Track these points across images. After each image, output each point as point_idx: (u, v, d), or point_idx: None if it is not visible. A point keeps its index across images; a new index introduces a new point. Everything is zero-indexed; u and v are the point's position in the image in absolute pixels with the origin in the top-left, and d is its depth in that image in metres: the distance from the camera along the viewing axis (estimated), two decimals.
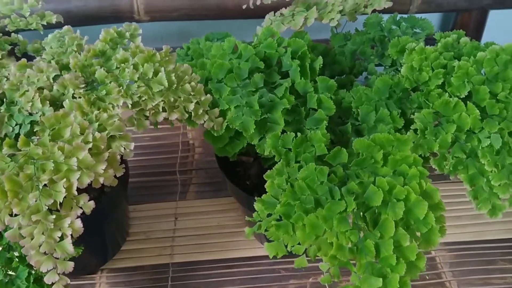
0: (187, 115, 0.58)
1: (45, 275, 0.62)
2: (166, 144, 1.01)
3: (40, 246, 0.45)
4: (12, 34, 0.71)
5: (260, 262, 0.81)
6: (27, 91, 0.57)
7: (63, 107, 0.57)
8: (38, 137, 0.54)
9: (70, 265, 0.46)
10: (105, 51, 0.62)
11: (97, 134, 0.52)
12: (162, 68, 0.58)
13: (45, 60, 0.64)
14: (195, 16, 0.91)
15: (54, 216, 0.46)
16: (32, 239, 0.46)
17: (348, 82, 0.70)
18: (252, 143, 0.59)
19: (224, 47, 0.66)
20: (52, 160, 0.49)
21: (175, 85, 0.58)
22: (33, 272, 0.62)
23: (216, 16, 0.91)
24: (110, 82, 0.58)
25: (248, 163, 0.75)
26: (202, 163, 0.98)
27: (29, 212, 0.46)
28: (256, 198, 0.70)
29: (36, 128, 0.55)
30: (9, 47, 0.68)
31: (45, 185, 0.48)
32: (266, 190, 0.55)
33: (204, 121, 0.59)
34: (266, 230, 0.53)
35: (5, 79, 0.61)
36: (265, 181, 0.73)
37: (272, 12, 0.74)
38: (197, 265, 0.81)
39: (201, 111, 0.58)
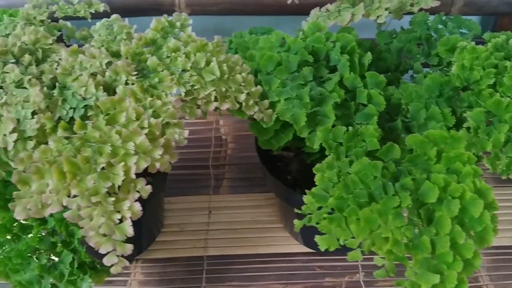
0: (237, 106, 0.58)
1: (88, 261, 0.63)
2: (200, 138, 1.01)
3: (99, 227, 0.45)
4: (60, 20, 0.72)
5: (295, 258, 0.81)
6: (80, 75, 0.58)
7: (116, 93, 0.58)
8: (92, 121, 0.54)
9: (129, 248, 0.46)
10: (155, 40, 0.63)
11: (152, 120, 0.52)
12: (214, 58, 0.59)
13: (94, 47, 0.64)
14: (233, 10, 0.91)
15: (113, 199, 0.46)
16: (91, 220, 0.46)
17: (394, 79, 0.69)
18: (302, 136, 0.59)
19: (272, 40, 0.65)
20: (110, 144, 0.50)
21: (226, 75, 0.58)
22: (76, 257, 0.62)
23: (254, 11, 0.91)
24: (162, 70, 0.58)
25: (289, 158, 0.75)
26: (234, 158, 0.98)
27: (88, 194, 0.46)
28: (296, 192, 0.70)
29: (90, 112, 0.55)
30: (58, 34, 0.68)
31: (102, 168, 0.48)
32: (316, 183, 0.55)
33: (254, 112, 0.59)
34: (317, 223, 0.53)
35: (56, 64, 0.62)
36: (307, 176, 0.73)
37: (318, 8, 0.74)
38: (232, 259, 0.81)
39: (251, 102, 0.58)
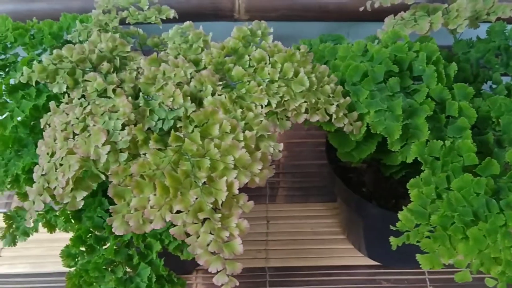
0: (327, 118, 0.56)
1: (165, 274, 0.61)
2: None
3: (208, 245, 0.44)
4: (131, 27, 0.70)
5: (359, 271, 0.79)
6: (165, 85, 0.56)
7: (201, 103, 0.56)
8: (182, 133, 0.53)
9: (239, 266, 0.45)
10: (237, 49, 0.61)
11: (247, 133, 0.51)
12: (302, 69, 0.57)
13: (168, 55, 0.63)
14: (293, 17, 0.90)
15: (219, 215, 0.45)
16: (197, 237, 0.44)
17: (475, 90, 0.67)
18: (393, 150, 0.57)
19: (353, 49, 0.64)
20: (208, 158, 0.48)
21: (315, 86, 0.57)
22: (153, 270, 0.61)
23: (315, 18, 0.89)
24: (249, 81, 0.57)
25: (362, 170, 0.73)
26: (288, 167, 0.96)
27: (193, 210, 0.45)
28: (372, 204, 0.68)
29: (179, 124, 0.54)
30: (133, 41, 0.67)
31: (204, 182, 0.47)
32: (411, 199, 0.53)
33: (344, 125, 0.57)
34: (417, 242, 0.51)
35: (136, 72, 0.61)
36: (384, 189, 0.71)
37: (392, 16, 0.72)
38: (294, 271, 0.79)
39: (341, 113, 0.57)
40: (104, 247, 0.62)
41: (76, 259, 0.63)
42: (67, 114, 0.56)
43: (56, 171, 0.51)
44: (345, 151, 0.63)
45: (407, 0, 0.71)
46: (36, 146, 0.59)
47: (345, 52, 0.64)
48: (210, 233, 0.44)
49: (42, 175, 0.52)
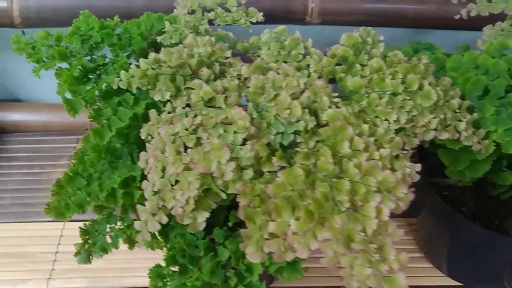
0: (457, 135, 0.52)
1: None
2: None
3: (367, 279, 0.39)
4: (219, 29, 0.66)
5: None
6: (277, 95, 0.52)
7: (317, 116, 0.52)
8: (303, 149, 0.48)
9: None
10: (347, 57, 0.57)
11: (382, 151, 0.46)
12: (426, 81, 0.53)
13: (268, 63, 0.59)
14: (368, 22, 0.85)
15: (375, 245, 0.40)
16: (352, 270, 0.40)
17: None
18: None
19: (465, 61, 0.60)
20: (348, 179, 0.44)
21: (442, 101, 0.53)
22: None
23: (393, 23, 0.85)
24: (369, 93, 0.53)
25: (459, 187, 0.69)
26: None
27: (343, 239, 0.40)
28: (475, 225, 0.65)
29: (298, 139, 0.50)
30: (226, 45, 0.62)
31: (348, 207, 0.42)
32: None
33: (473, 143, 0.53)
34: None
35: (237, 80, 0.56)
36: (485, 209, 0.67)
37: (490, 25, 0.68)
38: None
39: (470, 131, 0.53)
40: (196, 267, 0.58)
41: (165, 279, 0.58)
42: (172, 124, 0.51)
43: (172, 189, 0.47)
44: (457, 170, 0.59)
45: (507, 10, 0.67)
46: (131, 157, 0.55)
47: (456, 63, 0.60)
48: (369, 266, 0.40)
49: (155, 192, 0.47)
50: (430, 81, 0.54)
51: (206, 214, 0.46)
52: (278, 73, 0.54)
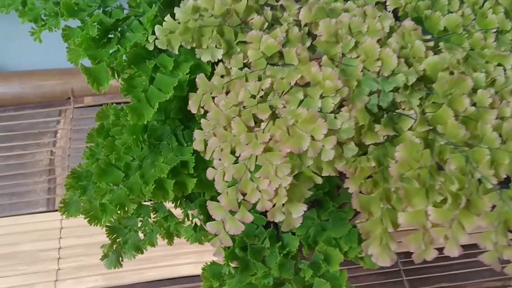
0: None
1: None
2: None
3: None
4: None
5: None
6: (358, 43, 0.41)
7: (410, 66, 0.41)
8: (403, 110, 0.38)
9: None
10: None
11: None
12: None
13: (335, 1, 0.47)
14: None
15: None
16: None
17: None
18: None
19: None
20: (487, 146, 0.34)
21: None
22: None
23: None
24: (468, 33, 0.42)
25: None
26: None
27: (501, 227, 0.31)
28: None
29: (398, 98, 0.39)
30: None
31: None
32: None
33: None
34: None
35: (297, 28, 0.44)
36: None
37: None
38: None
39: None
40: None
41: (222, 274, 0.48)
42: (231, 92, 0.40)
43: (252, 178, 0.36)
44: None
45: None
46: (176, 137, 0.43)
47: None
48: None
49: (228, 182, 0.36)
50: None
51: (303, 207, 0.36)
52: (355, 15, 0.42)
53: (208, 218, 0.49)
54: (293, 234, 0.48)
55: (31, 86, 0.85)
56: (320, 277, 0.47)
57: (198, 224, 0.51)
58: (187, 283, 0.67)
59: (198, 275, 0.60)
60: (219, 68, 0.41)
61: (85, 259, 0.70)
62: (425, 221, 0.32)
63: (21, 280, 0.67)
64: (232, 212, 0.36)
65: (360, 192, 0.35)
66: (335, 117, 0.36)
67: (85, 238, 0.70)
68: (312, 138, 0.35)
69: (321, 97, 0.37)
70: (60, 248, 0.70)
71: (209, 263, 0.48)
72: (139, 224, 0.51)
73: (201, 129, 0.39)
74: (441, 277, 0.66)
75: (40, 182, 0.77)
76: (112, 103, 0.50)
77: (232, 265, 0.48)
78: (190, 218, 0.51)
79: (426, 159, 0.34)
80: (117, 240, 0.51)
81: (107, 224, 0.51)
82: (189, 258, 0.69)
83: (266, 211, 0.37)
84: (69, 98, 0.86)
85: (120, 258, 0.52)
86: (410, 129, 0.37)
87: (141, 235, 0.52)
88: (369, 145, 0.37)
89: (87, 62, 0.42)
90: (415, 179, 0.33)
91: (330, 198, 0.48)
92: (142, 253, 0.52)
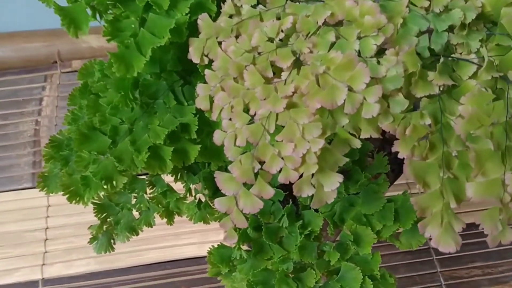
0: None
1: (379, 275, 0.41)
2: None
3: None
4: None
5: None
6: None
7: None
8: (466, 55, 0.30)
9: None
10: None
11: None
12: None
13: None
14: None
15: None
16: None
17: None
18: None
19: None
20: None
21: None
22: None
23: None
24: None
25: None
26: None
27: None
28: None
29: (456, 40, 0.31)
30: None
31: None
32: None
33: None
34: None
35: None
36: None
37: None
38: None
39: None
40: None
41: (233, 260, 0.41)
42: (242, 35, 0.32)
43: (272, 141, 0.28)
44: None
45: None
46: (174, 95, 0.35)
47: None
48: None
49: (242, 148, 0.28)
50: None
51: (339, 178, 0.28)
52: None
53: (215, 193, 0.42)
54: (316, 211, 0.40)
55: (12, 49, 0.78)
56: (348, 261, 0.40)
57: (203, 200, 0.43)
58: (191, 266, 0.60)
59: (203, 257, 0.53)
60: (227, 6, 0.33)
61: (75, 240, 0.63)
62: (502, 193, 0.24)
63: (4, 264, 0.60)
64: (247, 186, 0.28)
65: (413, 157, 0.27)
66: (378, 62, 0.28)
67: (75, 217, 0.63)
68: (350, 89, 0.27)
69: (358, 37, 0.29)
70: (47, 228, 0.63)
71: (216, 246, 0.41)
72: (133, 201, 0.44)
73: (206, 82, 0.32)
74: (474, 255, 0.59)
75: (24, 155, 0.69)
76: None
77: (244, 248, 0.40)
78: (193, 194, 0.43)
79: (499, 113, 0.26)
80: (108, 219, 0.44)
81: (94, 201, 0.43)
82: (192, 238, 0.62)
83: (288, 184, 0.29)
84: (55, 62, 0.79)
85: (112, 241, 0.45)
86: (471, 77, 0.29)
87: (135, 213, 0.45)
88: (421, 98, 0.29)
89: (62, 1, 0.34)
90: (489, 139, 0.25)
91: (361, 168, 0.40)
92: (137, 234, 0.44)
